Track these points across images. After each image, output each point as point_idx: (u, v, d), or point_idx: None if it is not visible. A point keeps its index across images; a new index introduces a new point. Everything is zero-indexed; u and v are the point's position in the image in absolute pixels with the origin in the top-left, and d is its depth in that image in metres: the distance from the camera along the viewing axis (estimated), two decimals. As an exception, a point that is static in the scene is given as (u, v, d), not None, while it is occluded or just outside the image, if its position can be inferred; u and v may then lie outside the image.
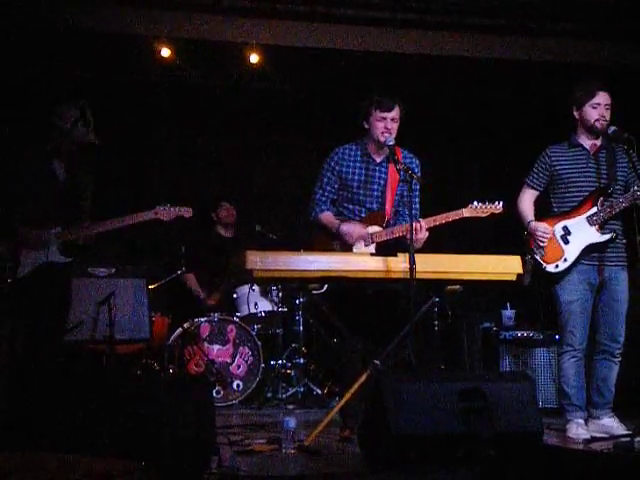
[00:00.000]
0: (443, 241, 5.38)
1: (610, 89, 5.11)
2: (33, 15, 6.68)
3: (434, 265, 4.67)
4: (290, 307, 7.27)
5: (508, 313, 6.65)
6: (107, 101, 7.49)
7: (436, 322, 7.11)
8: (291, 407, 6.56)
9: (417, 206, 5.14)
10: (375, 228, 5.11)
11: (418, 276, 4.46)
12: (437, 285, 5.14)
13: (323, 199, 5.18)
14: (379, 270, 4.63)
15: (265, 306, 7.19)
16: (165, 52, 7.43)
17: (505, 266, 4.80)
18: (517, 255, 4.84)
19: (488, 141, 8.75)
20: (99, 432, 3.59)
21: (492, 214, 5.12)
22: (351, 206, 5.17)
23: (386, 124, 5.05)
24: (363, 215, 5.16)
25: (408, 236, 4.62)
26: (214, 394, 6.59)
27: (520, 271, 4.78)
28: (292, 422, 4.46)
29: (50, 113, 5.07)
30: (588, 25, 7.25)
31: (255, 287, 7.14)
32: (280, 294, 7.12)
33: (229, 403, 6.73)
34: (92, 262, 6.26)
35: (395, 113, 5.08)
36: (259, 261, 4.47)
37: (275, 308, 7.14)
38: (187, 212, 5.41)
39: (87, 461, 2.86)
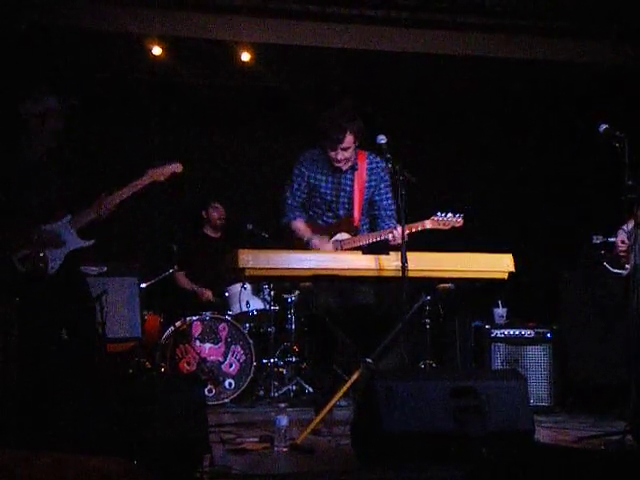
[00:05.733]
0: (435, 239, 5.40)
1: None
2: (24, 13, 6.65)
3: (426, 263, 4.68)
4: (282, 305, 7.27)
5: (500, 311, 6.66)
6: (97, 99, 7.48)
7: (428, 320, 7.13)
8: (283, 405, 6.56)
9: (393, 207, 5.21)
10: (344, 235, 5.18)
11: (410, 274, 4.47)
12: (429, 283, 5.14)
13: (295, 204, 5.24)
14: (371, 268, 4.64)
15: (257, 304, 7.19)
16: (156, 50, 7.40)
17: (497, 264, 4.82)
18: (509, 253, 4.86)
19: (484, 140, 8.75)
20: (91, 430, 3.59)
21: (453, 227, 5.20)
22: (320, 211, 5.25)
23: (337, 154, 5.08)
24: (332, 221, 5.25)
25: (392, 241, 4.89)
26: (206, 393, 6.58)
27: (512, 269, 4.79)
28: (284, 420, 4.46)
29: (21, 106, 5.06)
30: (581, 24, 7.27)
31: (247, 285, 7.13)
32: (272, 292, 7.12)
33: (221, 402, 6.72)
34: (84, 260, 6.24)
35: (345, 143, 5.05)
36: (251, 260, 4.48)
37: (267, 306, 7.14)
38: (177, 167, 5.23)
39: (79, 459, 2.86)
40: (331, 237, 5.18)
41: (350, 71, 7.98)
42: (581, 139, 7.17)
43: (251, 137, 8.52)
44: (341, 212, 5.22)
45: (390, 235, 4.98)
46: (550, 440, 4.85)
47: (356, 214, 5.20)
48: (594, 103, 7.44)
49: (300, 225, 5.20)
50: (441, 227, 5.16)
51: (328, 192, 5.21)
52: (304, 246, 5.11)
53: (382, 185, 5.19)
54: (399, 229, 4.81)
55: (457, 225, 5.20)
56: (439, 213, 5.12)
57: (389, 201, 5.23)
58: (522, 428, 4.03)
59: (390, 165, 4.75)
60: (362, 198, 5.19)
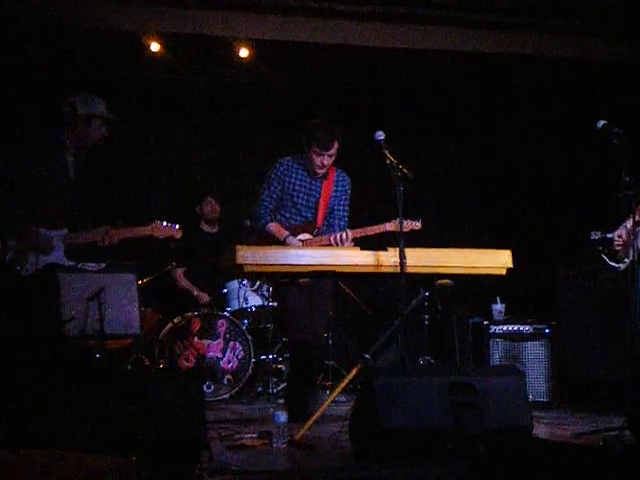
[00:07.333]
0: (433, 235, 5.41)
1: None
2: (23, 10, 6.64)
3: (424, 259, 4.69)
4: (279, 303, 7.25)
5: (498, 307, 6.66)
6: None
7: (426, 316, 7.13)
8: (282, 402, 6.56)
9: (346, 219, 5.65)
10: (306, 235, 5.52)
11: (408, 270, 4.47)
12: (427, 279, 5.16)
13: (271, 207, 5.57)
14: (369, 264, 4.64)
15: (255, 301, 7.18)
16: (154, 47, 7.40)
17: (495, 260, 4.82)
18: (507, 250, 4.86)
19: (482, 137, 8.76)
20: (89, 428, 3.59)
21: (412, 230, 5.65)
22: (288, 214, 5.59)
23: (322, 160, 5.45)
24: (296, 223, 5.58)
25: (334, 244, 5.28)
26: (204, 389, 6.58)
27: (510, 265, 4.80)
28: (283, 417, 4.48)
29: (65, 103, 5.02)
30: (580, 21, 7.26)
31: (245, 282, 7.13)
32: (270, 289, 7.11)
33: (219, 398, 6.73)
34: (82, 257, 6.23)
35: (332, 150, 5.42)
36: (249, 256, 4.48)
37: (265, 303, 7.13)
38: (177, 233, 5.46)
39: (77, 457, 2.86)
40: (295, 237, 5.51)
41: (348, 67, 7.98)
42: (579, 135, 7.16)
43: (249, 133, 8.52)
44: (309, 215, 5.59)
45: (339, 236, 5.35)
46: (548, 436, 4.86)
47: (320, 218, 5.58)
48: (593, 100, 7.43)
49: (276, 226, 5.52)
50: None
51: (300, 196, 5.56)
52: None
53: (343, 197, 5.65)
54: (348, 233, 5.36)
55: (416, 228, 5.71)
56: (398, 218, 5.37)
57: (344, 213, 5.67)
58: (520, 424, 4.03)
59: (388, 161, 4.76)
60: (326, 205, 5.60)
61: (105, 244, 5.10)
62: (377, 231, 5.54)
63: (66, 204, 5.02)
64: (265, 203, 5.55)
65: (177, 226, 5.44)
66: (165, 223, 5.38)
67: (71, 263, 5.07)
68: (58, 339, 5.22)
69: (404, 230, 5.44)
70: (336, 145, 5.41)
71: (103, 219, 5.21)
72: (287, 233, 5.46)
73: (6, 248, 4.82)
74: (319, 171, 5.50)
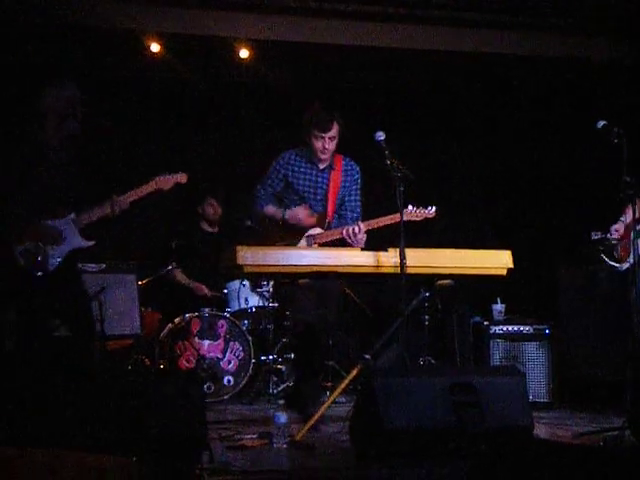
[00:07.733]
0: (434, 235, 5.41)
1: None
2: (23, 10, 6.64)
3: (425, 260, 4.68)
4: (281, 302, 7.25)
5: (498, 307, 6.66)
6: (95, 96, 7.47)
7: (426, 317, 7.13)
8: (282, 402, 6.56)
9: (359, 210, 5.47)
10: (317, 230, 5.38)
11: (409, 271, 4.47)
12: (428, 280, 5.16)
13: (266, 195, 5.45)
14: (370, 265, 4.64)
15: (255, 301, 7.18)
16: (155, 47, 7.40)
17: (496, 260, 4.81)
18: (507, 250, 4.86)
19: (482, 137, 8.76)
20: (90, 427, 3.59)
21: (425, 218, 5.47)
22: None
23: (324, 143, 5.29)
24: None
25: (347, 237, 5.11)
26: (205, 389, 6.58)
27: (510, 265, 4.80)
28: (283, 417, 4.47)
29: (43, 95, 5.01)
30: (578, 20, 7.26)
31: (245, 282, 7.13)
32: (271, 289, 7.10)
33: (220, 398, 6.72)
34: (82, 258, 6.23)
35: (333, 132, 5.27)
36: (250, 256, 4.47)
37: (266, 303, 7.13)
38: (182, 178, 5.29)
39: (78, 456, 2.86)
40: (294, 213, 5.40)
41: (348, 67, 7.98)
42: (579, 135, 7.17)
43: (249, 133, 8.52)
44: (319, 208, 5.42)
45: (351, 229, 5.15)
46: (549, 436, 4.86)
47: (330, 210, 5.42)
48: (593, 100, 7.44)
49: (272, 207, 5.43)
50: (413, 219, 5.39)
51: (305, 189, 5.42)
52: (282, 225, 5.36)
53: (354, 187, 5.48)
54: (361, 225, 5.15)
55: (430, 216, 5.48)
56: (410, 206, 5.33)
57: (357, 203, 5.50)
58: (521, 424, 4.03)
59: (388, 162, 4.75)
60: (336, 196, 5.43)
61: (117, 212, 5.02)
62: (389, 221, 5.25)
63: (64, 192, 4.99)
64: (259, 193, 5.44)
65: (182, 174, 5.27)
66: (168, 173, 5.23)
67: (90, 243, 5.02)
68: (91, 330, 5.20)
69: (418, 219, 5.40)
70: (336, 127, 5.26)
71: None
72: (282, 210, 5.36)
73: (12, 251, 4.81)
74: (322, 156, 5.33)
